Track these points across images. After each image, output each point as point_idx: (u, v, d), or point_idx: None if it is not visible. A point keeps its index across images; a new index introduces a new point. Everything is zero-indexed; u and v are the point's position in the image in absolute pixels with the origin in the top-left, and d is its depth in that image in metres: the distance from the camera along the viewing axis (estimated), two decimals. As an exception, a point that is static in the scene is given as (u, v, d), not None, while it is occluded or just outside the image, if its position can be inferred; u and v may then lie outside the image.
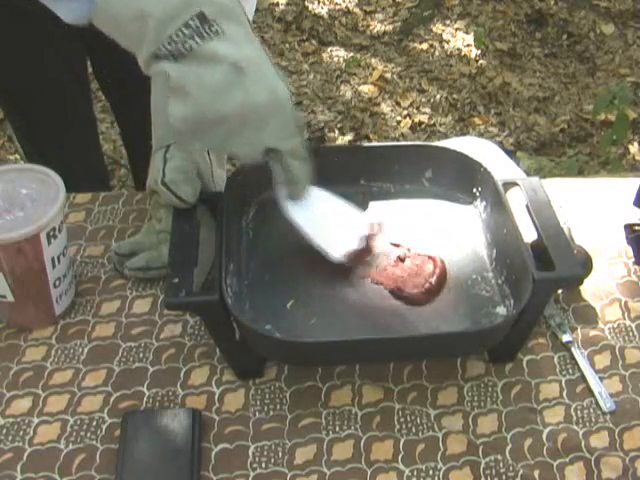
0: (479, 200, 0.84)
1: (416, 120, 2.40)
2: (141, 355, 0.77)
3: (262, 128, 0.66)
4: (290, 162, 0.70)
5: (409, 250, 0.79)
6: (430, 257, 0.78)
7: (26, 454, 0.69)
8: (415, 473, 0.68)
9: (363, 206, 0.83)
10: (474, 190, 0.85)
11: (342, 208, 0.79)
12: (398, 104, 2.48)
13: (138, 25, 0.63)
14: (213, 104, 0.64)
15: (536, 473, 0.68)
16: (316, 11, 2.91)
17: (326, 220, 0.77)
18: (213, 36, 0.63)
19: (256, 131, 0.67)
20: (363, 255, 0.77)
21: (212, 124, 0.66)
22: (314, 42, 2.75)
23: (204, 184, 0.81)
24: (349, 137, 2.32)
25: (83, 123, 1.24)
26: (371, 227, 0.78)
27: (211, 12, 0.63)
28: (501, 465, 0.69)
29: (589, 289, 0.84)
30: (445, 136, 2.31)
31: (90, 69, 1.22)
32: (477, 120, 2.42)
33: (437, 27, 2.86)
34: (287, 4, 2.92)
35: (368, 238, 0.77)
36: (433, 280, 0.75)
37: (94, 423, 0.71)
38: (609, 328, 0.81)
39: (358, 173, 0.86)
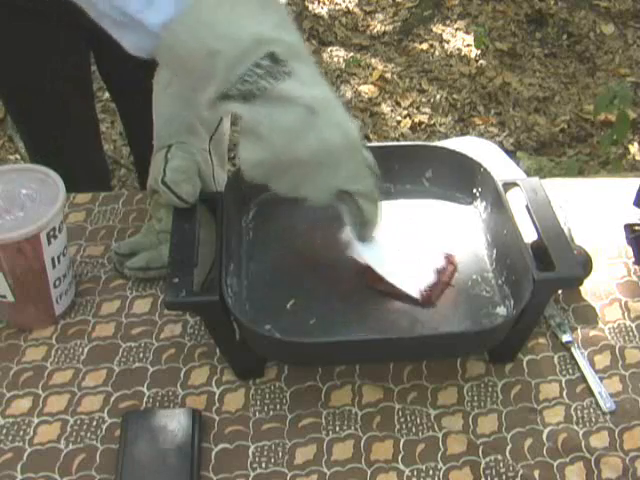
0: (479, 200, 0.84)
1: (416, 120, 2.40)
2: (141, 355, 0.77)
3: (335, 171, 0.65)
4: (362, 204, 0.69)
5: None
6: (447, 256, 0.78)
7: (26, 454, 0.69)
8: (415, 473, 0.68)
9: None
10: (474, 190, 0.85)
11: (411, 244, 0.79)
12: (398, 104, 2.48)
13: (205, 65, 0.60)
14: (288, 147, 0.63)
15: (536, 473, 0.68)
16: (316, 11, 2.91)
17: (399, 257, 0.76)
18: (285, 77, 0.60)
19: (329, 174, 0.65)
20: (440, 287, 0.75)
21: (285, 168, 0.64)
22: (314, 42, 2.75)
23: (205, 184, 0.81)
24: (349, 137, 2.32)
25: (85, 123, 1.25)
26: (445, 258, 0.77)
27: (282, 52, 0.61)
28: (501, 465, 0.69)
29: (589, 289, 0.84)
30: (445, 136, 2.31)
31: (93, 67, 1.22)
32: (477, 120, 2.42)
33: (437, 27, 2.86)
34: (287, 4, 2.92)
35: (443, 270, 0.76)
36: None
37: (94, 423, 0.71)
38: (609, 328, 0.81)
39: (358, 173, 0.86)
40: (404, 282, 0.75)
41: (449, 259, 0.78)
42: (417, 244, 0.79)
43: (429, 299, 0.74)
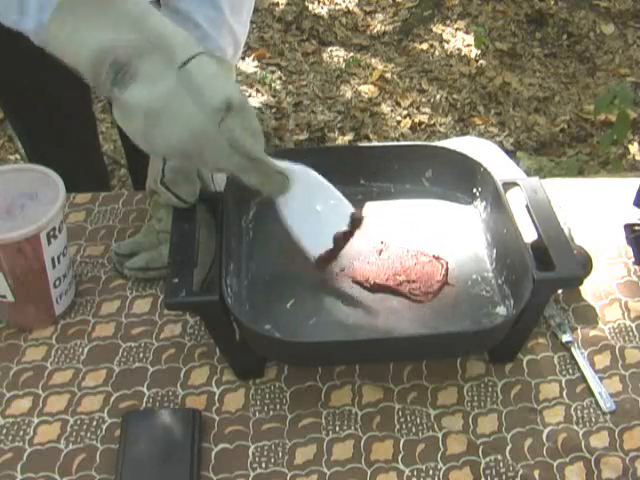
0: (479, 200, 0.84)
1: (416, 120, 2.40)
2: (141, 355, 0.77)
3: (198, 156, 0.67)
4: (246, 179, 0.69)
5: (412, 252, 0.79)
6: (436, 258, 0.78)
7: (26, 454, 0.69)
8: (415, 473, 0.68)
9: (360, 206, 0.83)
10: (474, 190, 0.85)
11: (329, 195, 0.77)
12: (398, 104, 2.48)
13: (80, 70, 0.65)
14: (149, 148, 0.66)
15: (536, 473, 0.68)
16: (316, 11, 2.91)
17: (311, 212, 0.75)
18: (129, 81, 0.63)
19: (198, 159, 0.68)
20: (331, 258, 0.76)
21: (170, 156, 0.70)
22: (314, 42, 2.75)
23: (204, 184, 0.81)
24: (349, 137, 2.32)
25: (83, 123, 1.24)
26: (352, 221, 0.77)
27: (123, 55, 0.63)
28: (501, 465, 0.69)
29: (589, 289, 0.84)
30: (445, 136, 2.31)
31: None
32: (477, 120, 2.42)
33: (437, 27, 2.86)
34: (287, 4, 2.92)
35: (343, 237, 0.76)
36: (440, 282, 0.76)
37: (94, 423, 0.71)
38: (609, 328, 0.81)
39: (358, 173, 0.86)
40: (308, 243, 0.75)
41: (356, 219, 0.77)
42: (329, 207, 0.77)
43: (323, 262, 0.75)
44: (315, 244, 0.75)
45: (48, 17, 0.62)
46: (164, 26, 0.65)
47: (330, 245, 0.75)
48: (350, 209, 0.77)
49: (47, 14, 0.62)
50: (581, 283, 0.78)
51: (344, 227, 0.76)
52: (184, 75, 0.63)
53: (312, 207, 0.76)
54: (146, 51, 0.63)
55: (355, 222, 0.77)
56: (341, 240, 0.76)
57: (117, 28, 0.63)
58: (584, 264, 0.82)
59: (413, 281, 0.76)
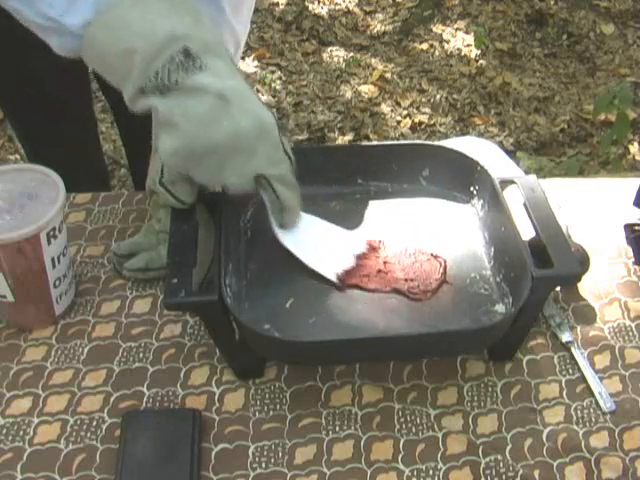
0: (476, 198, 0.84)
1: (416, 120, 2.40)
2: (141, 355, 0.77)
3: (251, 156, 0.67)
4: (280, 189, 0.70)
5: (411, 250, 0.79)
6: (434, 256, 0.78)
7: (26, 454, 0.69)
8: (415, 473, 0.68)
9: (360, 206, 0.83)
10: (471, 189, 0.85)
11: (333, 230, 0.80)
12: (398, 104, 2.48)
13: (124, 62, 0.64)
14: (202, 135, 0.65)
15: (536, 473, 0.68)
16: (316, 11, 2.91)
17: (319, 243, 0.77)
18: (197, 70, 0.64)
19: (245, 159, 0.67)
20: (357, 273, 0.77)
21: (202, 156, 0.67)
22: (314, 42, 2.75)
23: (203, 185, 0.81)
24: (349, 137, 2.32)
25: (83, 123, 1.24)
26: (369, 245, 0.78)
27: (195, 48, 0.64)
28: (501, 465, 0.69)
29: (589, 289, 0.85)
30: (445, 136, 2.31)
31: (90, 68, 1.22)
32: (477, 120, 2.42)
33: (437, 27, 2.86)
34: (287, 4, 2.92)
35: (364, 256, 0.77)
36: (439, 280, 0.76)
37: (94, 423, 0.71)
38: (609, 328, 0.81)
39: (355, 172, 0.86)
40: (323, 265, 0.76)
41: (371, 245, 0.78)
42: (338, 232, 0.80)
43: (343, 282, 0.75)
44: (333, 265, 0.76)
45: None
46: (213, 29, 0.68)
47: (351, 264, 0.76)
48: (364, 237, 0.79)
49: (105, 5, 0.63)
50: (579, 280, 0.78)
51: (362, 250, 0.78)
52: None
53: (322, 237, 0.78)
54: (217, 51, 0.66)
55: (372, 247, 0.78)
56: (362, 259, 0.77)
57: (192, 25, 0.65)
58: (582, 262, 0.82)
59: (411, 279, 0.76)
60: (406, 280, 0.76)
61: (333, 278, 0.76)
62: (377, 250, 0.78)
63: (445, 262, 0.78)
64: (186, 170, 0.69)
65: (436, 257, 0.78)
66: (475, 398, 0.74)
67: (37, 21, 0.65)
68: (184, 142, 0.66)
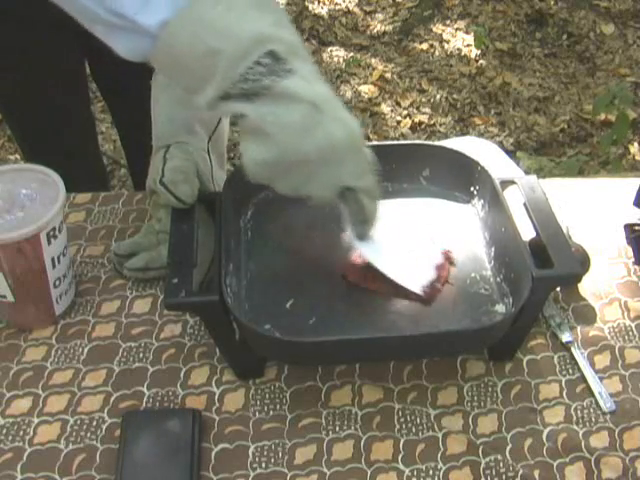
0: (477, 199, 0.84)
1: (416, 120, 2.40)
2: (141, 355, 0.77)
3: (339, 166, 0.65)
4: (364, 201, 0.68)
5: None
6: (444, 252, 0.78)
7: (26, 454, 0.69)
8: (415, 473, 0.68)
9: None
10: (472, 189, 0.85)
11: (409, 241, 0.79)
12: (398, 104, 2.48)
13: (205, 63, 0.59)
14: (295, 145, 0.62)
15: (536, 473, 0.68)
16: (316, 11, 2.91)
17: (398, 254, 0.76)
18: (287, 74, 0.60)
19: (334, 170, 0.65)
20: (439, 284, 0.76)
21: (292, 166, 0.64)
22: (314, 42, 2.75)
23: (204, 184, 0.81)
24: (349, 137, 2.32)
25: (81, 124, 1.24)
26: (443, 255, 0.78)
27: (282, 50, 0.60)
28: (501, 465, 0.69)
29: (589, 289, 0.84)
30: (445, 136, 2.31)
31: (88, 70, 1.22)
32: (477, 120, 2.42)
33: (437, 27, 2.86)
34: (287, 4, 2.92)
35: (441, 267, 0.77)
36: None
37: (94, 423, 0.71)
38: (609, 328, 0.81)
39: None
40: (406, 278, 0.75)
41: (446, 255, 0.78)
42: (415, 242, 0.79)
43: (432, 295, 0.74)
44: (417, 277, 0.75)
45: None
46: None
47: (433, 275, 0.76)
48: (438, 247, 0.79)
49: (184, 3, 0.58)
50: (579, 280, 0.78)
51: (440, 260, 0.77)
52: None
53: (401, 248, 0.77)
54: (303, 54, 0.63)
55: (448, 257, 0.78)
56: (442, 269, 0.77)
57: (277, 26, 0.61)
58: (582, 262, 0.82)
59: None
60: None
61: (419, 291, 0.74)
62: (450, 259, 0.78)
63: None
64: (270, 180, 0.66)
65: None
66: (475, 398, 0.74)
67: (106, 19, 0.59)
68: (276, 152, 0.62)
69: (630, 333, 0.80)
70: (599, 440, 0.71)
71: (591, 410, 0.73)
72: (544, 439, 0.71)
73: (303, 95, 0.61)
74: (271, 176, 0.65)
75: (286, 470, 0.68)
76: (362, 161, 0.66)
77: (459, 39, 2.79)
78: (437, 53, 2.72)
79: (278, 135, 0.61)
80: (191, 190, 0.76)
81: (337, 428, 0.71)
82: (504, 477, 0.68)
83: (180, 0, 0.58)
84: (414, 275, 0.75)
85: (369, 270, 0.75)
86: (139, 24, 0.59)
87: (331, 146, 0.63)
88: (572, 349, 0.78)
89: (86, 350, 0.78)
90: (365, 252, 0.74)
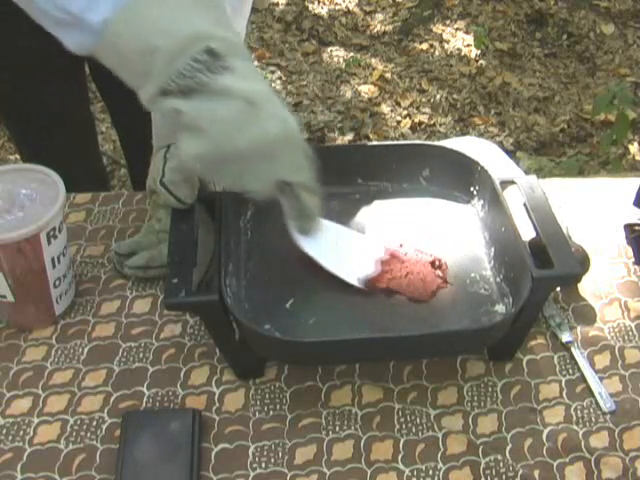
0: (477, 199, 0.84)
1: (416, 120, 2.40)
2: (141, 355, 0.77)
3: (275, 161, 0.66)
4: (302, 195, 0.69)
5: (408, 252, 0.79)
6: (435, 259, 0.78)
7: (26, 454, 0.69)
8: (415, 473, 0.68)
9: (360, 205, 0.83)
10: (472, 189, 0.85)
11: (353, 236, 0.80)
12: (398, 104, 2.48)
13: (144, 60, 0.61)
14: (230, 139, 0.63)
15: (536, 473, 0.68)
16: (316, 11, 2.91)
17: (339, 248, 0.77)
18: (224, 71, 0.62)
19: (270, 165, 0.66)
20: (381, 279, 0.76)
21: (227, 160, 0.65)
22: (314, 42, 2.75)
23: (204, 184, 0.81)
24: (349, 137, 2.32)
25: (81, 123, 1.24)
26: (387, 250, 0.78)
27: (219, 47, 0.62)
28: (501, 465, 0.69)
29: (589, 289, 0.84)
30: (445, 136, 2.31)
31: (87, 70, 1.22)
32: (477, 120, 2.42)
33: (437, 27, 2.86)
34: (287, 4, 2.92)
35: (385, 261, 0.77)
36: (439, 284, 0.76)
37: (94, 423, 0.72)
38: (609, 328, 0.81)
39: (355, 172, 0.86)
40: (345, 271, 0.75)
41: (392, 252, 0.78)
42: (356, 238, 0.80)
43: (372, 286, 0.75)
44: (355, 271, 0.76)
45: None
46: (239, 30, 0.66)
47: (374, 269, 0.76)
48: (382, 241, 0.79)
49: (126, 2, 0.60)
50: (579, 280, 0.78)
51: (383, 255, 0.78)
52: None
53: (342, 242, 0.78)
54: (242, 53, 0.64)
55: (393, 254, 0.78)
56: (386, 265, 0.77)
57: (216, 24, 0.63)
58: (582, 262, 0.82)
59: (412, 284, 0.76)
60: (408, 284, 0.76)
61: (356, 283, 0.75)
62: (398, 256, 0.78)
63: (446, 263, 0.78)
64: (207, 173, 0.68)
65: (437, 261, 0.78)
66: (475, 398, 0.74)
67: (55, 15, 0.62)
68: (210, 146, 0.64)
69: (630, 333, 0.80)
70: (599, 440, 0.71)
71: (591, 410, 0.73)
72: (544, 439, 0.71)
73: (238, 91, 0.62)
74: (208, 169, 0.67)
75: (286, 470, 0.68)
76: (298, 156, 0.67)
77: (459, 39, 2.79)
78: (437, 53, 2.72)
79: (213, 130, 0.63)
80: (191, 190, 0.76)
81: (337, 428, 0.71)
82: (504, 477, 0.68)
83: (123, 0, 0.61)
84: (351, 268, 0.76)
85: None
86: (85, 21, 0.61)
87: (265, 141, 0.64)
88: (572, 349, 0.78)
89: (86, 350, 0.78)
90: (305, 245, 0.75)
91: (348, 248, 0.78)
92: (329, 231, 0.77)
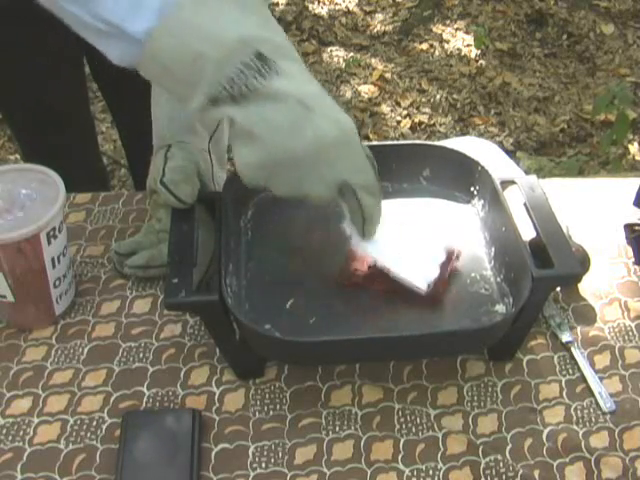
0: (477, 198, 0.84)
1: (416, 120, 2.40)
2: (141, 355, 0.77)
3: (335, 164, 0.64)
4: (364, 198, 0.67)
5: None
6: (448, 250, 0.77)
7: (26, 454, 0.69)
8: (415, 473, 0.68)
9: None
10: (472, 189, 0.85)
11: (413, 236, 0.78)
12: (398, 104, 2.48)
13: (192, 70, 0.59)
14: (285, 145, 0.62)
15: (536, 473, 0.68)
16: (316, 11, 2.91)
17: (402, 251, 0.75)
18: (274, 75, 0.60)
19: (329, 168, 0.64)
20: (444, 282, 0.75)
21: (285, 166, 0.63)
22: (314, 42, 2.75)
23: (204, 184, 0.81)
24: (349, 137, 2.32)
25: (81, 123, 1.25)
26: (448, 252, 0.77)
27: (268, 51, 0.60)
28: (501, 465, 0.69)
29: (589, 289, 0.84)
30: (445, 136, 2.31)
31: (87, 69, 1.22)
32: (477, 120, 2.42)
33: (437, 27, 2.86)
34: (287, 4, 2.92)
35: (446, 264, 0.76)
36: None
37: (94, 423, 0.71)
38: (609, 328, 0.81)
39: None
40: (412, 275, 0.74)
41: (450, 251, 0.77)
42: (418, 240, 0.79)
43: (437, 294, 0.74)
44: (422, 276, 0.74)
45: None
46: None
47: (437, 272, 0.75)
48: (443, 242, 0.78)
49: (169, 10, 0.58)
50: (580, 280, 0.78)
51: (443, 258, 0.76)
52: None
53: (400, 244, 0.76)
54: (291, 55, 0.62)
55: (450, 253, 0.77)
56: (445, 267, 0.76)
57: (262, 27, 0.61)
58: (582, 262, 0.82)
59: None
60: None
61: (424, 287, 0.73)
62: (452, 257, 0.77)
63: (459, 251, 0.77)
64: (266, 182, 0.65)
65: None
66: (475, 398, 0.74)
67: (97, 26, 0.59)
68: (266, 153, 0.62)
69: (630, 333, 0.80)
70: (599, 440, 0.71)
71: (591, 410, 0.73)
72: (544, 439, 0.71)
73: (290, 94, 0.60)
74: (265, 178, 0.65)
75: (286, 470, 0.68)
76: (358, 157, 0.66)
77: (459, 39, 2.79)
78: (437, 53, 2.72)
79: (266, 136, 0.61)
80: (191, 190, 0.76)
81: (337, 428, 0.71)
82: (504, 477, 0.68)
83: (166, 8, 0.58)
84: (419, 272, 0.74)
85: (374, 270, 0.75)
86: (126, 31, 0.59)
87: (322, 143, 0.62)
88: (572, 349, 0.78)
89: (86, 350, 0.78)
90: (369, 250, 0.73)
91: (410, 252, 0.76)
92: (389, 235, 0.74)
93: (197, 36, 0.59)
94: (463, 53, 2.72)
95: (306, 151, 0.62)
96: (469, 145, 1.01)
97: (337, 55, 2.70)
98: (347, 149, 0.64)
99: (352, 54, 2.70)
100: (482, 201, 0.83)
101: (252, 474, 0.68)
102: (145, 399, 0.74)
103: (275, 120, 0.61)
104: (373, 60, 2.68)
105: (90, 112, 1.29)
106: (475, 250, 0.80)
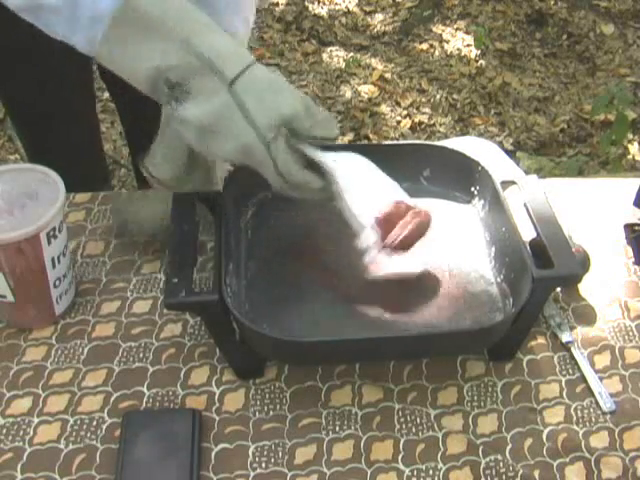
0: (477, 199, 0.84)
1: (416, 120, 2.40)
2: (141, 355, 0.77)
3: (258, 169, 0.68)
4: (291, 193, 0.70)
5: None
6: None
7: (26, 454, 0.69)
8: (415, 473, 0.68)
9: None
10: (472, 189, 0.85)
11: (379, 174, 0.75)
12: (398, 104, 2.48)
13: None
14: (208, 157, 0.72)
15: (536, 473, 0.68)
16: (316, 11, 2.91)
17: (363, 180, 0.73)
18: (185, 95, 0.65)
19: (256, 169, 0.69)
20: (392, 221, 0.72)
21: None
22: (314, 42, 2.75)
23: (210, 182, 0.80)
24: (349, 137, 2.32)
25: (86, 123, 1.25)
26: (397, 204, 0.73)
27: (177, 75, 0.64)
28: (501, 465, 0.69)
29: (589, 289, 0.85)
30: (445, 136, 2.31)
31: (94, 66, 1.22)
32: (477, 120, 2.42)
33: (437, 27, 2.86)
34: (287, 4, 2.92)
35: (400, 204, 0.73)
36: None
37: (94, 423, 0.72)
38: (609, 328, 0.81)
39: (357, 173, 0.86)
40: (360, 207, 0.72)
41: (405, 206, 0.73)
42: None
43: (381, 224, 0.71)
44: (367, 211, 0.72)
45: (99, 38, 0.64)
46: (211, 43, 0.65)
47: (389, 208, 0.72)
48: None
49: (99, 31, 0.63)
50: (580, 281, 0.78)
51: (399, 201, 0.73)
52: (235, 91, 0.64)
53: (364, 174, 0.74)
54: (197, 70, 0.64)
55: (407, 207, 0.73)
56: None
57: (165, 51, 0.64)
58: (582, 262, 0.82)
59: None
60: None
61: (369, 225, 0.71)
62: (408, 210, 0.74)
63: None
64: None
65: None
66: (475, 398, 0.74)
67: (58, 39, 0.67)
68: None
69: (630, 333, 0.80)
70: (599, 440, 0.71)
71: (591, 410, 0.73)
72: (544, 439, 0.71)
73: (191, 122, 0.66)
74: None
75: (286, 470, 0.68)
76: (267, 164, 0.67)
77: (459, 39, 2.79)
78: (437, 53, 2.72)
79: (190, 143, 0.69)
80: (171, 172, 0.76)
81: (337, 428, 0.71)
82: (504, 477, 0.68)
83: (95, 31, 0.64)
84: (371, 202, 0.72)
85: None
86: (74, 45, 0.66)
87: (228, 159, 0.70)
88: (572, 349, 0.78)
89: (86, 350, 0.78)
90: (335, 166, 0.71)
91: (372, 181, 0.74)
92: (360, 163, 0.74)
93: (122, 68, 0.66)
94: (463, 53, 2.72)
95: (225, 157, 0.70)
96: (469, 145, 1.01)
97: (337, 55, 2.70)
98: (254, 158, 0.67)
99: (352, 54, 2.70)
100: (482, 201, 0.83)
101: (252, 474, 0.68)
102: (145, 399, 0.74)
103: (186, 139, 0.68)
104: (373, 60, 2.68)
105: (95, 111, 1.29)
106: (475, 250, 0.80)
